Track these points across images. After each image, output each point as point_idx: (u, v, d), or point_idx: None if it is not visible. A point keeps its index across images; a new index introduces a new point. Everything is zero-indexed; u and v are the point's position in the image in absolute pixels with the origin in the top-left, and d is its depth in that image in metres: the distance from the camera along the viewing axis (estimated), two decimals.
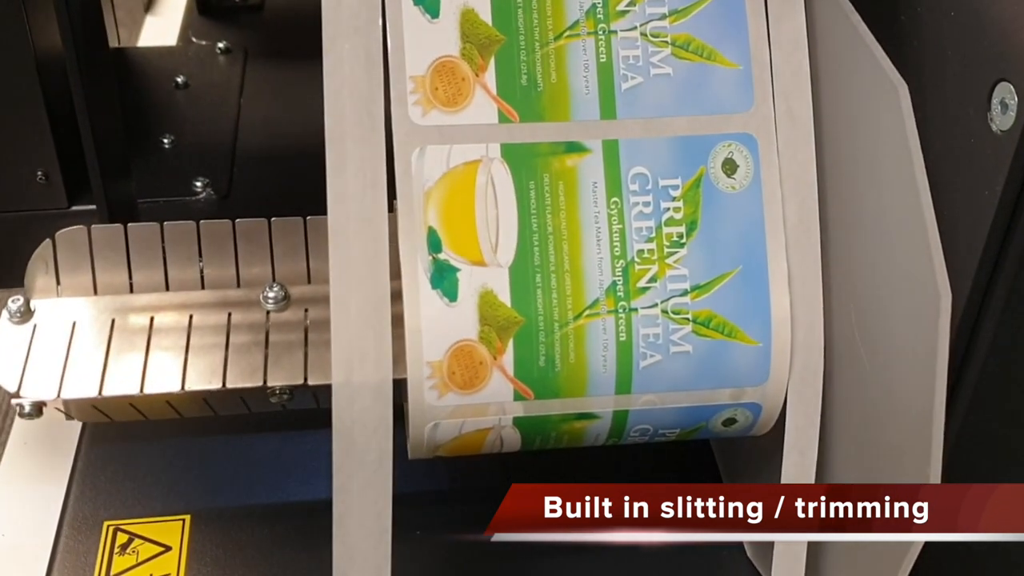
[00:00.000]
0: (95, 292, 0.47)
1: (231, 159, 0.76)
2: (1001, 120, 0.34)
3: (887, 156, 0.38)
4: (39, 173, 0.66)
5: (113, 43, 0.89)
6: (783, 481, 0.44)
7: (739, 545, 0.53)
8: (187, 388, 0.43)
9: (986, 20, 0.35)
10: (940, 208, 0.36)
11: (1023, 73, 0.33)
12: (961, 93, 0.37)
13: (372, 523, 0.41)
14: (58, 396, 0.43)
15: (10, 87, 0.62)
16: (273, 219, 0.48)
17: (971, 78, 0.36)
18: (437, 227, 0.41)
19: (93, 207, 0.65)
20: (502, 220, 0.41)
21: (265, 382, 0.44)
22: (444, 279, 0.40)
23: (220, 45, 0.88)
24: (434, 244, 0.41)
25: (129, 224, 0.49)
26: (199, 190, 0.72)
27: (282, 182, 0.73)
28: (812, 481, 0.44)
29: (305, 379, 0.44)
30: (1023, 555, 0.42)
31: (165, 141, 0.77)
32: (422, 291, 0.40)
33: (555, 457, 0.51)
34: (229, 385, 0.44)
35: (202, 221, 0.48)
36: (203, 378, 0.44)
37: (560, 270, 0.41)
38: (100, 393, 0.43)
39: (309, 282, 0.47)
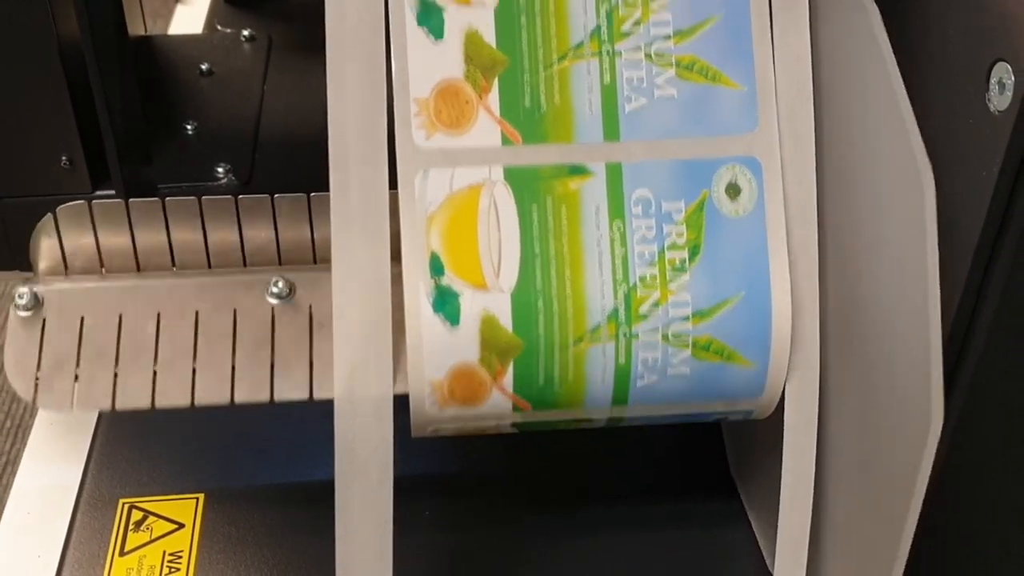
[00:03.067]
0: (101, 265, 0.48)
1: (253, 146, 0.76)
2: (999, 100, 0.34)
3: (883, 133, 0.38)
4: (63, 158, 0.66)
5: (142, 32, 0.89)
6: (784, 474, 0.44)
7: (749, 533, 0.54)
8: (197, 403, 0.44)
9: (986, 0, 0.35)
10: (939, 188, 0.36)
11: (1020, 52, 0.33)
12: (961, 72, 0.36)
13: (375, 542, 0.42)
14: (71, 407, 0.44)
15: (35, 73, 0.63)
16: (276, 196, 0.49)
17: (971, 57, 0.36)
18: (439, 251, 0.41)
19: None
20: (504, 244, 0.41)
21: (272, 399, 0.45)
22: (446, 303, 0.41)
23: (244, 33, 0.88)
24: (436, 268, 0.41)
25: (131, 200, 0.50)
26: (221, 176, 0.72)
27: (303, 169, 0.73)
28: (812, 477, 0.44)
29: (311, 394, 0.45)
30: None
31: (189, 127, 0.77)
32: (423, 315, 0.41)
33: (560, 442, 0.52)
34: (237, 400, 0.44)
35: (204, 197, 0.48)
36: (212, 392, 0.45)
37: (562, 295, 0.41)
38: (113, 407, 0.44)
39: (315, 262, 0.48)
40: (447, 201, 0.41)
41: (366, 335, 0.41)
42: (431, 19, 0.41)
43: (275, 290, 0.46)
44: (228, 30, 0.90)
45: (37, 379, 0.45)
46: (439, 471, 0.57)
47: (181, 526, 0.54)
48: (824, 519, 0.45)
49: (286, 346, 0.45)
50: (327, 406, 0.42)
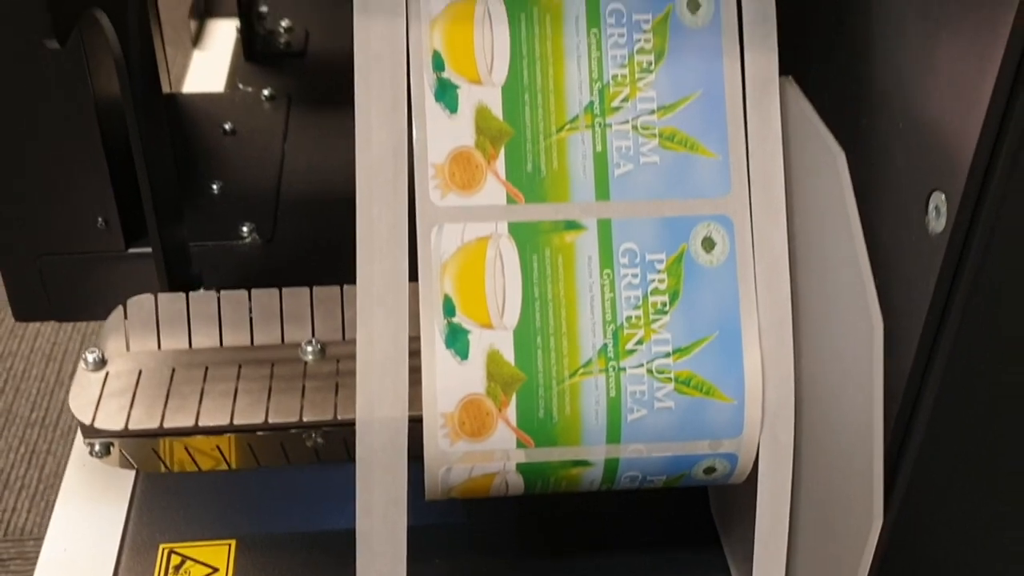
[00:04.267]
0: (159, 346, 0.54)
1: (275, 204, 0.81)
2: (935, 224, 0.39)
3: (833, 229, 0.44)
4: (100, 219, 0.71)
5: (164, 83, 0.94)
6: (758, 526, 0.49)
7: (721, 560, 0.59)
8: (235, 423, 0.49)
9: (925, 132, 0.40)
10: (884, 298, 0.42)
11: (952, 184, 0.38)
12: (906, 196, 0.41)
13: (390, 536, 0.46)
14: (126, 428, 0.50)
15: (74, 140, 0.68)
16: (314, 288, 0.55)
17: (913, 183, 0.41)
18: (452, 294, 0.46)
19: (148, 249, 0.71)
20: (508, 289, 0.47)
21: (301, 418, 0.50)
22: (457, 340, 0.46)
23: (265, 92, 0.93)
24: (449, 309, 0.46)
25: (190, 293, 0.55)
26: (246, 235, 0.77)
27: (322, 227, 0.78)
28: (785, 528, 0.49)
29: (335, 415, 0.50)
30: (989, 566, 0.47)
31: (214, 186, 0.82)
32: (437, 350, 0.46)
33: (554, 502, 0.56)
34: (271, 420, 0.50)
35: (253, 290, 0.54)
36: (250, 414, 0.50)
37: (558, 333, 0.47)
38: (161, 426, 0.49)
39: (344, 339, 0.53)
40: (459, 251, 0.47)
41: (385, 365, 0.46)
42: (447, 96, 0.47)
43: (309, 348, 0.52)
44: (249, 89, 0.95)
45: (98, 404, 0.50)
46: (449, 524, 0.61)
47: (216, 570, 0.58)
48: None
49: (316, 382, 0.50)
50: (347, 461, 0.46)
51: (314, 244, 0.77)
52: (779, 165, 0.48)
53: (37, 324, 1.42)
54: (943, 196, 0.39)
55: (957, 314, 0.39)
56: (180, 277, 0.68)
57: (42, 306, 0.75)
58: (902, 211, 0.41)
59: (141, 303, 0.56)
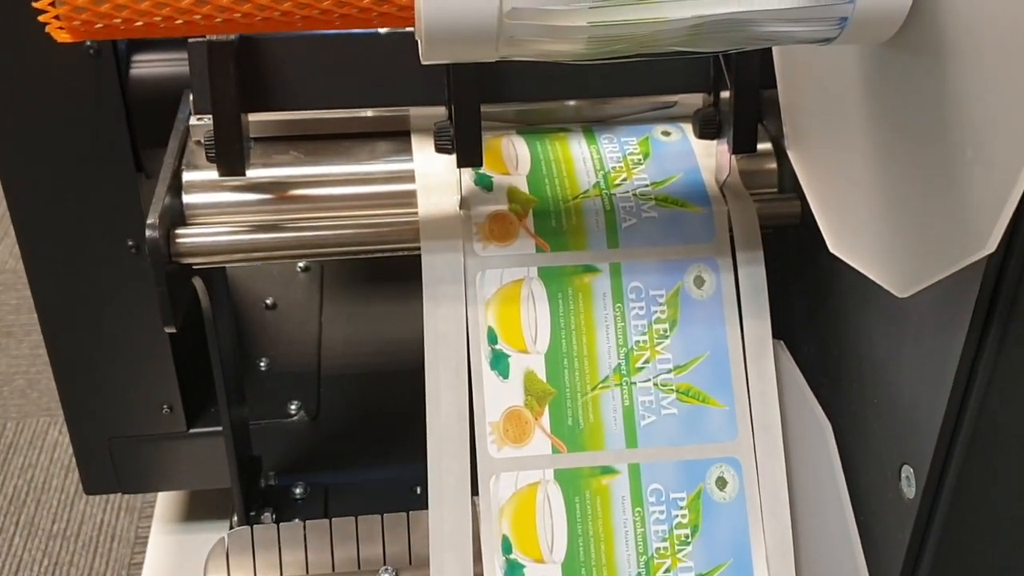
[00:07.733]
0: (255, 572, 0.63)
1: (317, 381, 0.87)
2: (907, 490, 0.48)
3: (823, 487, 0.53)
4: (165, 407, 0.79)
5: None
6: None
7: None
8: None
9: (896, 413, 0.50)
10: (868, 544, 0.51)
11: (918, 460, 0.47)
12: (883, 464, 0.50)
13: None
14: None
15: (146, 341, 0.75)
16: (385, 515, 0.64)
17: (888, 455, 0.50)
18: (508, 534, 0.56)
19: (206, 430, 0.79)
20: (556, 527, 0.56)
21: None
22: (514, 573, 0.55)
23: (300, 265, 0.99)
24: (506, 547, 0.55)
25: (280, 524, 0.64)
26: (294, 413, 0.83)
27: (363, 402, 0.85)
28: None
29: None
30: None
31: (261, 364, 0.87)
32: None
33: None
34: None
35: (333, 519, 0.63)
36: None
37: (599, 565, 0.56)
38: None
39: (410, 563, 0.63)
40: (513, 496, 0.56)
41: None
42: (500, 364, 0.56)
43: (385, 574, 0.62)
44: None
45: None
46: None
47: None
48: None
49: None
50: None
51: (356, 419, 0.85)
52: (776, 413, 0.57)
53: (56, 434, 1.49)
54: (912, 470, 0.48)
55: (927, 566, 0.49)
56: (245, 457, 0.75)
57: (110, 481, 0.83)
58: (880, 477, 0.51)
59: (239, 535, 0.65)
